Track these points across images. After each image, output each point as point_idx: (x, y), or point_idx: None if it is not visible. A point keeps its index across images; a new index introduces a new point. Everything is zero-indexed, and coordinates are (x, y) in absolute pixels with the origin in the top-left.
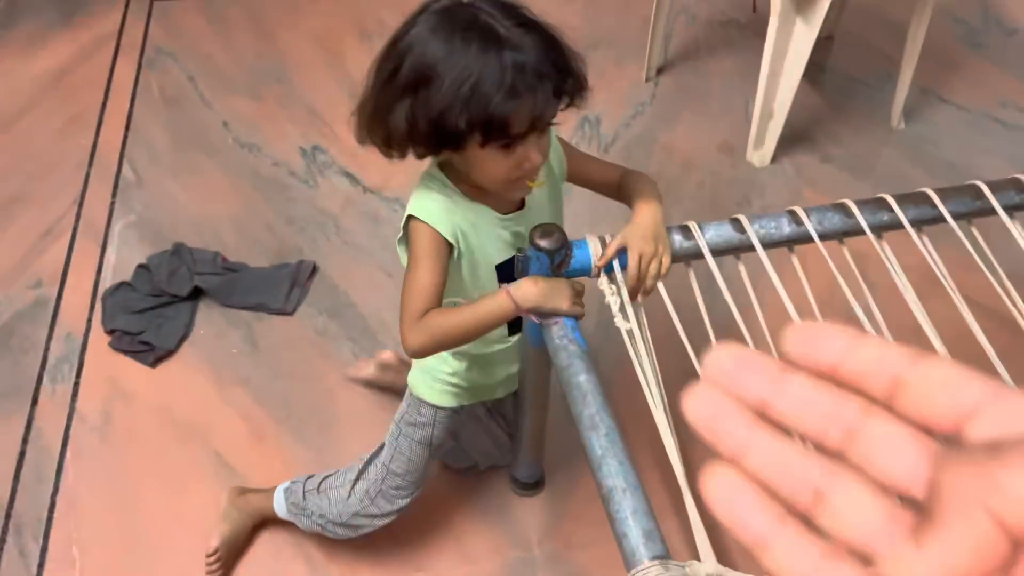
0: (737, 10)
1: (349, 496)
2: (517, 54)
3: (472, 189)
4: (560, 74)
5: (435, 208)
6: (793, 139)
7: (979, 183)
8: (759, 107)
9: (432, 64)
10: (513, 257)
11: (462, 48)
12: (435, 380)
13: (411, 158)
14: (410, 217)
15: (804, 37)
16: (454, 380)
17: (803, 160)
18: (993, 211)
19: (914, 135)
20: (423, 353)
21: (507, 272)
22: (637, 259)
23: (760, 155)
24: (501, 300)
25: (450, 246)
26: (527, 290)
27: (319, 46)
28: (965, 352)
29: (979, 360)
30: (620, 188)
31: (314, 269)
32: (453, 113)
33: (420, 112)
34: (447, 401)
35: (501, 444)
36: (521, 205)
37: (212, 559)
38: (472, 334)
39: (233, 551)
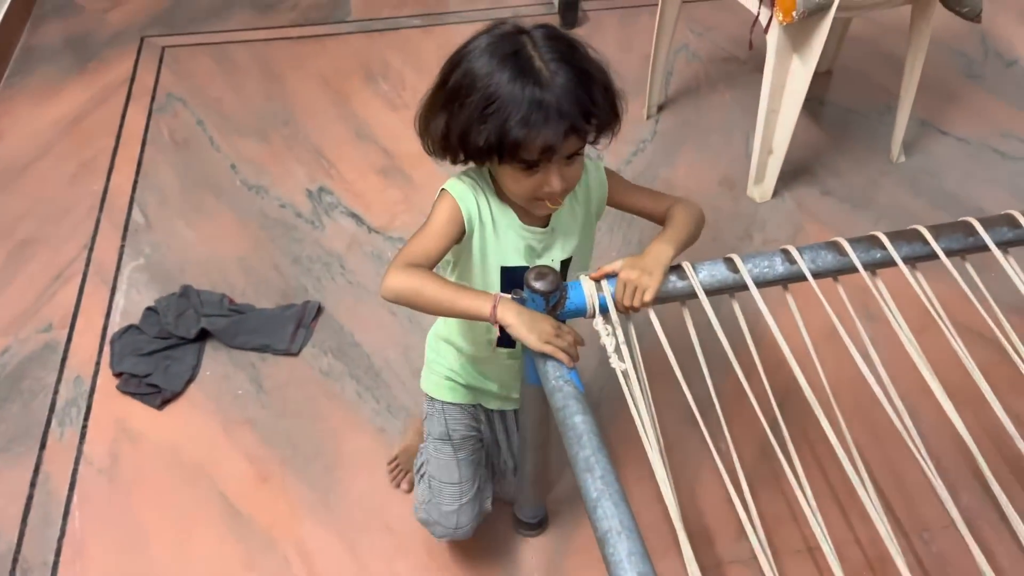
0: (737, 47)
1: (416, 498)
2: (539, 89)
3: (504, 194)
4: (582, 114)
5: (463, 189)
6: (793, 173)
7: (971, 220)
8: (758, 144)
9: (471, 82)
10: (523, 268)
11: (498, 73)
12: (434, 374)
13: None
14: (443, 190)
15: (801, 75)
16: (450, 374)
17: (804, 194)
18: (986, 247)
19: (914, 167)
20: (395, 295)
21: (513, 277)
22: (622, 287)
23: (761, 190)
24: (484, 300)
25: (462, 226)
26: (509, 309)
27: (326, 88)
28: (963, 384)
29: (972, 391)
30: (664, 220)
31: (319, 309)
32: (475, 130)
33: (453, 123)
34: (447, 395)
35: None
36: (546, 223)
37: (391, 465)
38: (441, 310)
39: (412, 461)
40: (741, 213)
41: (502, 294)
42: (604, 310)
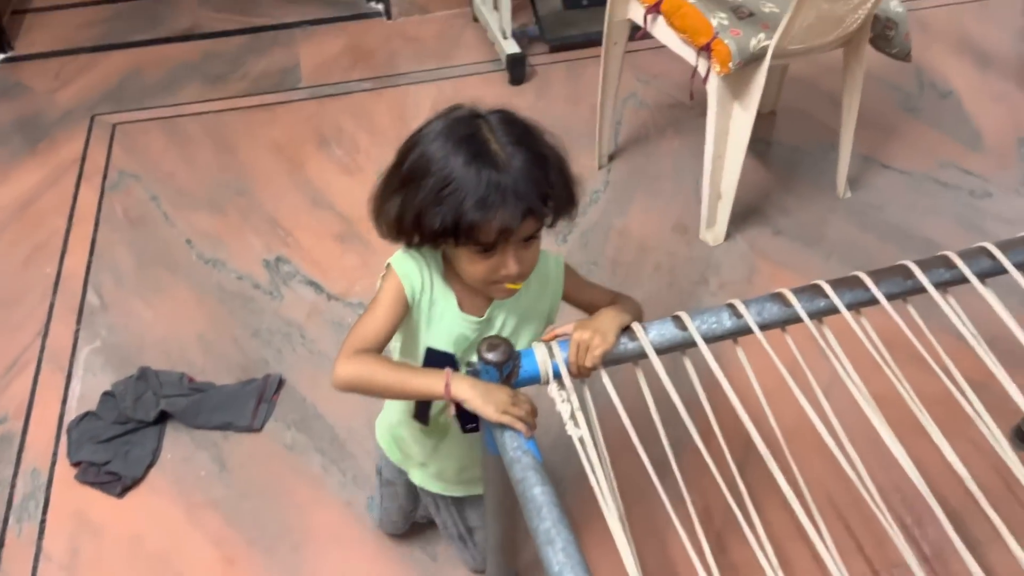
0: (682, 92)
1: None
2: (496, 172)
3: (452, 275)
4: (539, 196)
5: (408, 266)
6: (744, 214)
7: (909, 263)
8: (707, 189)
9: (426, 165)
10: (448, 354)
11: (453, 156)
12: (383, 419)
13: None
14: (388, 266)
15: (743, 121)
16: (390, 425)
17: (755, 234)
18: (924, 289)
19: (860, 202)
20: (347, 386)
21: (436, 360)
22: (575, 347)
23: (713, 234)
24: (436, 379)
25: (407, 303)
26: (462, 383)
27: (279, 156)
28: (914, 428)
29: (918, 431)
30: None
31: (281, 382)
32: (430, 212)
33: (407, 206)
34: (382, 440)
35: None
36: (483, 313)
37: None
38: (394, 393)
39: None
40: (695, 257)
41: (448, 369)
42: (558, 376)
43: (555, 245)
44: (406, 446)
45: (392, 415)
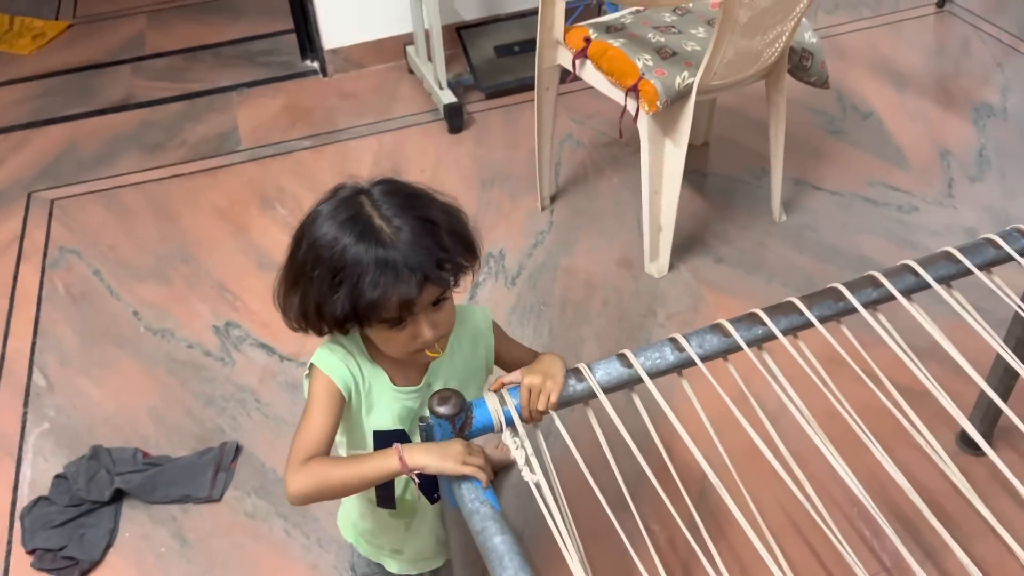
0: (616, 130)
1: None
2: (383, 248)
3: (377, 352)
4: (433, 262)
5: (333, 359)
6: (686, 245)
7: (838, 285)
8: (647, 223)
9: (316, 254)
10: (396, 431)
11: (341, 239)
12: (345, 513)
13: None
14: (312, 366)
15: (675, 156)
16: (353, 522)
17: (698, 264)
18: (855, 309)
19: (796, 225)
20: (303, 498)
21: (386, 440)
22: (527, 392)
23: (657, 266)
24: (389, 458)
25: (343, 399)
26: (415, 451)
27: (222, 219)
28: (875, 434)
29: (883, 440)
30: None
31: (238, 449)
32: (328, 301)
33: (307, 298)
34: (350, 537)
35: None
36: (420, 380)
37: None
38: (354, 487)
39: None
40: (642, 291)
41: (396, 444)
42: (511, 424)
43: (504, 288)
44: (375, 537)
45: (353, 512)
